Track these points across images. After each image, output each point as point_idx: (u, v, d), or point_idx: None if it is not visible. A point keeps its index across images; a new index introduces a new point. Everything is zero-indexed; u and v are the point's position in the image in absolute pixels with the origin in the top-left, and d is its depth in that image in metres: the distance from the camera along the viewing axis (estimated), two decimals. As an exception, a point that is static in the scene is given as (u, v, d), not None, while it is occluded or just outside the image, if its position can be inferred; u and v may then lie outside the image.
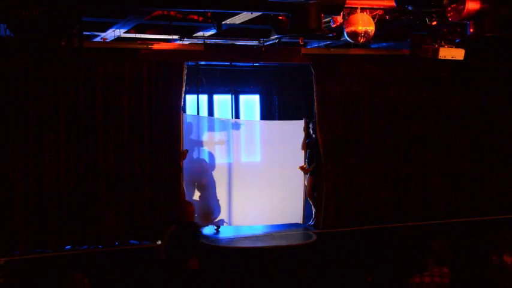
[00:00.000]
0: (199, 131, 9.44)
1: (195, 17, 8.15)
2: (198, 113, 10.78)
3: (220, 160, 9.56)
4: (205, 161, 9.49)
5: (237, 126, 9.62)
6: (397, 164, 9.74)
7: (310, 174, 9.58)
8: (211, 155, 9.51)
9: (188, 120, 9.26)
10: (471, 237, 8.99)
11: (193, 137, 9.33)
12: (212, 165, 9.52)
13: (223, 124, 9.69)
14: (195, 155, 9.43)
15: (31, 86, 7.92)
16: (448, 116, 10.00)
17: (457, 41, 8.12)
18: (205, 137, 9.47)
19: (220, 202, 9.48)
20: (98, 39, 8.87)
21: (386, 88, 9.66)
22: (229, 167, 9.58)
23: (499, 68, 10.17)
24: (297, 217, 9.65)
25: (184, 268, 6.40)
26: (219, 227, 9.47)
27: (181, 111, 8.77)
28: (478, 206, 10.19)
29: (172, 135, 8.60)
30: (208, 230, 9.49)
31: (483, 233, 8.98)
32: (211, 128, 9.55)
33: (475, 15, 6.78)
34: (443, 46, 8.12)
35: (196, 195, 9.44)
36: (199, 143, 9.45)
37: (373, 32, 7.20)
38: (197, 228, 6.45)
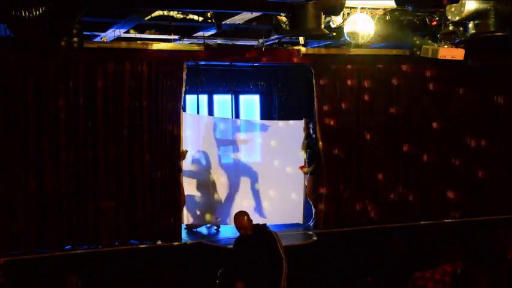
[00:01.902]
0: (201, 132, 9.45)
1: (195, 17, 8.14)
2: (198, 113, 10.78)
3: (220, 160, 9.56)
4: (206, 161, 9.49)
5: (237, 131, 9.62)
6: (397, 164, 9.74)
7: (310, 174, 9.58)
8: (212, 155, 9.51)
9: (189, 120, 9.26)
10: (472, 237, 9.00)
11: (195, 138, 9.35)
12: (213, 165, 9.52)
13: (224, 125, 9.69)
14: (197, 156, 9.43)
15: (31, 86, 7.92)
16: (448, 115, 10.01)
17: (457, 41, 8.11)
18: (206, 138, 9.49)
19: (220, 202, 9.48)
20: (98, 39, 8.87)
21: (386, 88, 9.67)
22: (229, 167, 9.58)
23: (499, 68, 10.17)
24: (297, 217, 9.64)
25: None
26: (219, 227, 9.47)
27: (182, 111, 8.78)
28: (478, 206, 10.19)
29: (172, 135, 8.60)
30: (208, 230, 9.50)
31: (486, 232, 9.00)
32: (212, 129, 9.56)
33: (475, 15, 6.78)
34: (443, 46, 8.12)
35: (198, 195, 9.44)
36: (203, 144, 9.46)
37: (372, 32, 7.20)
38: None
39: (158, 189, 8.53)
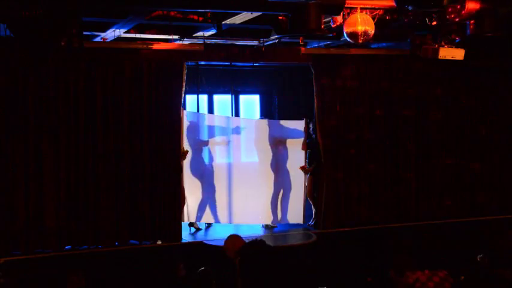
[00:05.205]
0: (201, 130, 9.43)
1: (195, 17, 8.15)
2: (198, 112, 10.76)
3: (220, 160, 9.55)
4: (204, 160, 9.48)
5: (237, 131, 9.60)
6: (397, 164, 9.74)
7: (310, 174, 9.57)
8: (210, 155, 9.50)
9: (189, 118, 9.24)
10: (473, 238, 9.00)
11: (195, 136, 9.33)
12: (212, 165, 9.51)
13: (224, 124, 9.67)
14: (194, 154, 9.42)
15: (31, 86, 7.92)
16: (448, 116, 10.01)
17: (457, 41, 8.12)
18: (206, 137, 9.47)
19: (220, 202, 9.46)
20: (98, 39, 8.87)
21: (387, 88, 9.67)
22: (229, 167, 9.58)
23: (499, 68, 10.17)
24: (297, 217, 9.64)
25: None
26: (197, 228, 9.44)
27: (182, 109, 8.77)
28: (478, 206, 10.19)
29: (172, 136, 8.60)
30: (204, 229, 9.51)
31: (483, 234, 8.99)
32: (212, 128, 9.54)
33: (475, 15, 6.79)
34: (443, 46, 8.13)
35: (198, 194, 9.44)
36: (203, 142, 9.43)
37: (372, 32, 7.20)
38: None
39: (158, 189, 8.53)
